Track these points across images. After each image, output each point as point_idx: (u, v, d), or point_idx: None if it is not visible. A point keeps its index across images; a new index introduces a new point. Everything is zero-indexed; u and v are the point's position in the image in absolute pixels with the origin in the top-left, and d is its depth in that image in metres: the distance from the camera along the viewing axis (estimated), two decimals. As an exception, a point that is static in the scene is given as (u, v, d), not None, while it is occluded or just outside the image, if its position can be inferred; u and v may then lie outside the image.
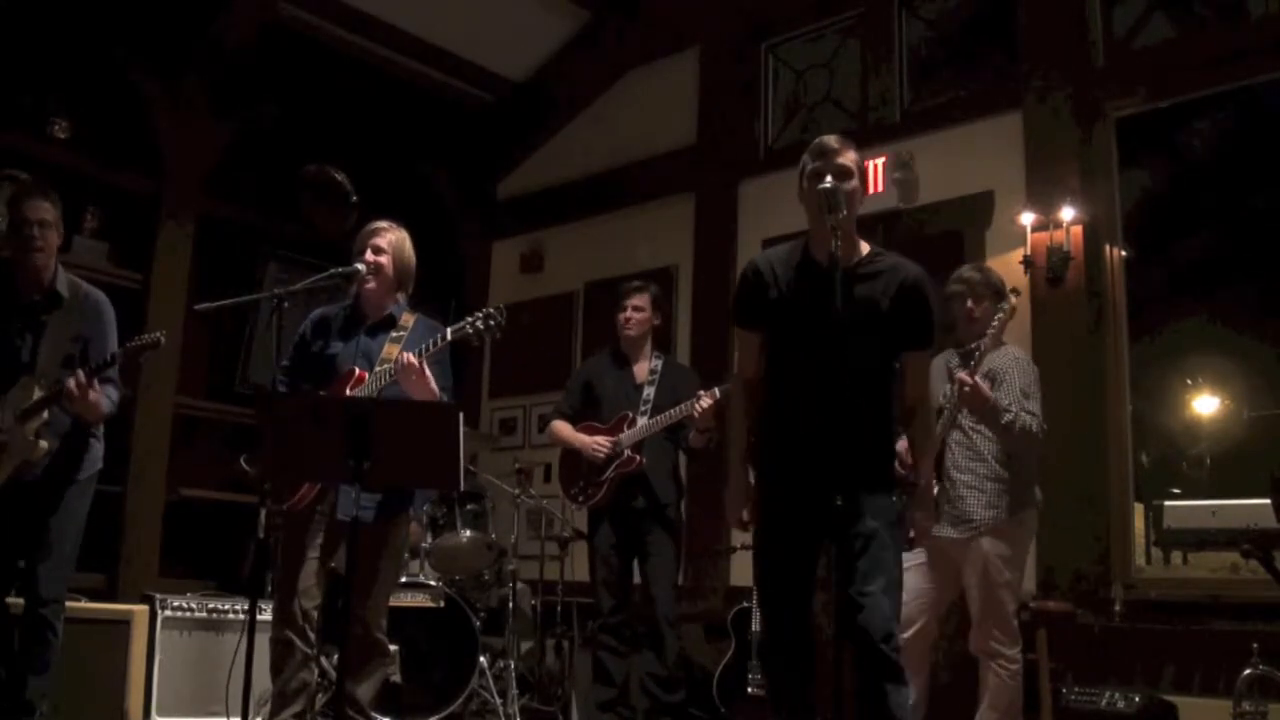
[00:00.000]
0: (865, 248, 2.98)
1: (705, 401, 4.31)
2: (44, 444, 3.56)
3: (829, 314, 2.77)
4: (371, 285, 3.56)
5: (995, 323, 3.67)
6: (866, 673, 2.81)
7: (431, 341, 3.35)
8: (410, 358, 3.27)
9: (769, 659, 3.02)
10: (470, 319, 3.31)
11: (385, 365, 3.41)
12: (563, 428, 4.67)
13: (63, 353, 3.65)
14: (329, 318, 3.66)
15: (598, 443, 4.51)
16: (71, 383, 3.48)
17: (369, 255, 3.56)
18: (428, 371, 3.28)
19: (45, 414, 3.56)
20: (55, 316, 3.71)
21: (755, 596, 4.52)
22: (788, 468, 2.93)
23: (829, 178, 2.84)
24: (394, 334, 3.53)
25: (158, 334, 3.54)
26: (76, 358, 3.63)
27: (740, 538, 5.56)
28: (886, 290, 2.89)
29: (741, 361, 3.13)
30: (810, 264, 2.94)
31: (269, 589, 4.36)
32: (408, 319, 3.57)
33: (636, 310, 4.67)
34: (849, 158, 2.93)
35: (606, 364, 4.76)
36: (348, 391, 3.42)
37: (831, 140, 2.98)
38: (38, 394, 3.55)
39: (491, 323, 3.30)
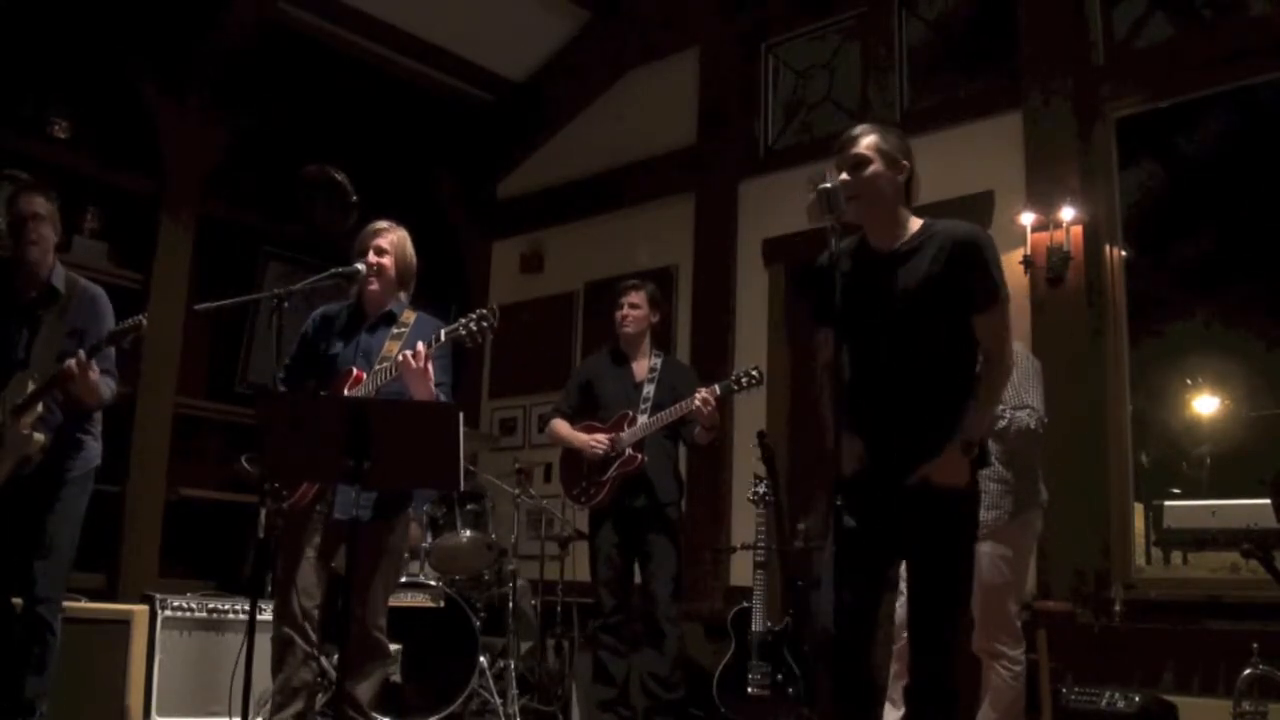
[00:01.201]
0: (915, 224, 2.87)
1: (703, 396, 4.31)
2: (39, 437, 3.55)
3: (884, 303, 2.76)
4: (375, 286, 3.58)
5: None
6: (919, 687, 2.79)
7: (431, 338, 3.35)
8: (420, 348, 3.26)
9: (825, 651, 2.92)
10: (464, 320, 3.31)
11: (385, 363, 3.41)
12: (562, 427, 4.67)
13: (58, 348, 3.64)
14: (332, 316, 3.68)
15: (596, 440, 4.52)
16: (72, 362, 3.47)
17: (372, 256, 3.57)
18: (430, 367, 3.28)
19: (40, 407, 3.55)
20: (51, 312, 3.70)
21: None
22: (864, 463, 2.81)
23: (841, 175, 2.80)
24: (394, 331, 3.54)
25: (139, 317, 3.53)
26: (72, 352, 3.62)
27: (740, 537, 5.56)
28: (939, 257, 2.77)
29: (820, 350, 3.06)
30: (866, 253, 2.87)
31: (269, 589, 4.37)
32: (408, 316, 3.59)
33: (633, 308, 4.68)
34: (864, 145, 2.83)
35: (606, 363, 4.77)
36: (345, 392, 3.42)
37: (848, 132, 2.90)
38: (32, 388, 3.55)
39: (485, 323, 3.29)
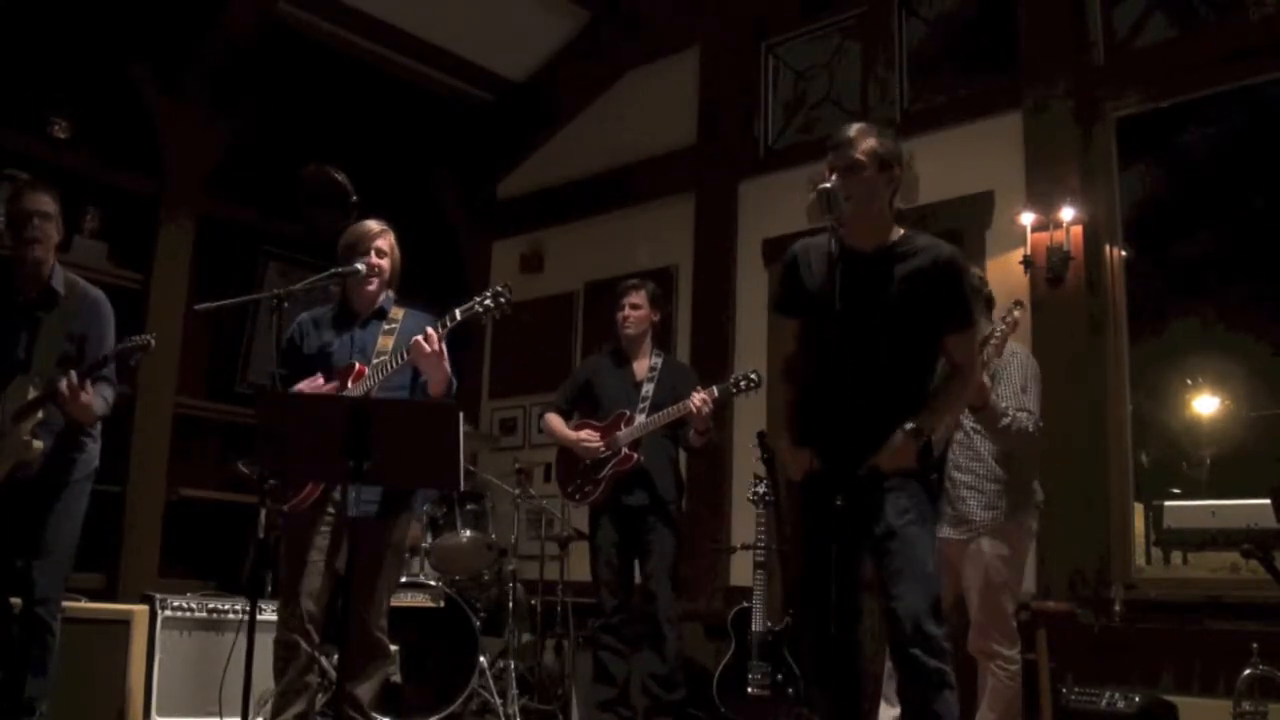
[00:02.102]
0: (898, 232, 2.94)
1: (700, 398, 4.31)
2: (38, 444, 3.53)
3: (860, 304, 2.78)
4: (372, 286, 3.58)
5: (998, 334, 3.67)
6: (904, 677, 2.80)
7: (447, 318, 3.34)
8: (430, 333, 3.26)
9: (806, 661, 2.96)
10: (479, 298, 3.32)
11: (382, 357, 3.42)
12: (555, 422, 4.69)
13: (58, 351, 3.62)
14: (317, 319, 3.67)
15: (589, 437, 4.52)
16: (64, 384, 3.45)
17: (373, 258, 3.57)
18: (444, 348, 3.28)
19: (40, 414, 3.53)
20: (51, 315, 3.68)
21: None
22: (821, 458, 2.88)
23: (833, 176, 2.83)
24: (386, 326, 3.56)
25: (148, 336, 3.52)
26: (73, 356, 3.61)
27: (740, 537, 5.56)
28: (921, 270, 2.85)
29: (782, 342, 3.12)
30: (845, 253, 2.87)
31: (269, 589, 4.37)
32: (397, 312, 3.61)
33: (634, 308, 4.68)
34: (861, 149, 2.85)
35: (606, 363, 4.77)
36: (349, 385, 3.43)
37: (845, 132, 2.91)
38: (32, 394, 3.53)
39: (501, 300, 3.30)
